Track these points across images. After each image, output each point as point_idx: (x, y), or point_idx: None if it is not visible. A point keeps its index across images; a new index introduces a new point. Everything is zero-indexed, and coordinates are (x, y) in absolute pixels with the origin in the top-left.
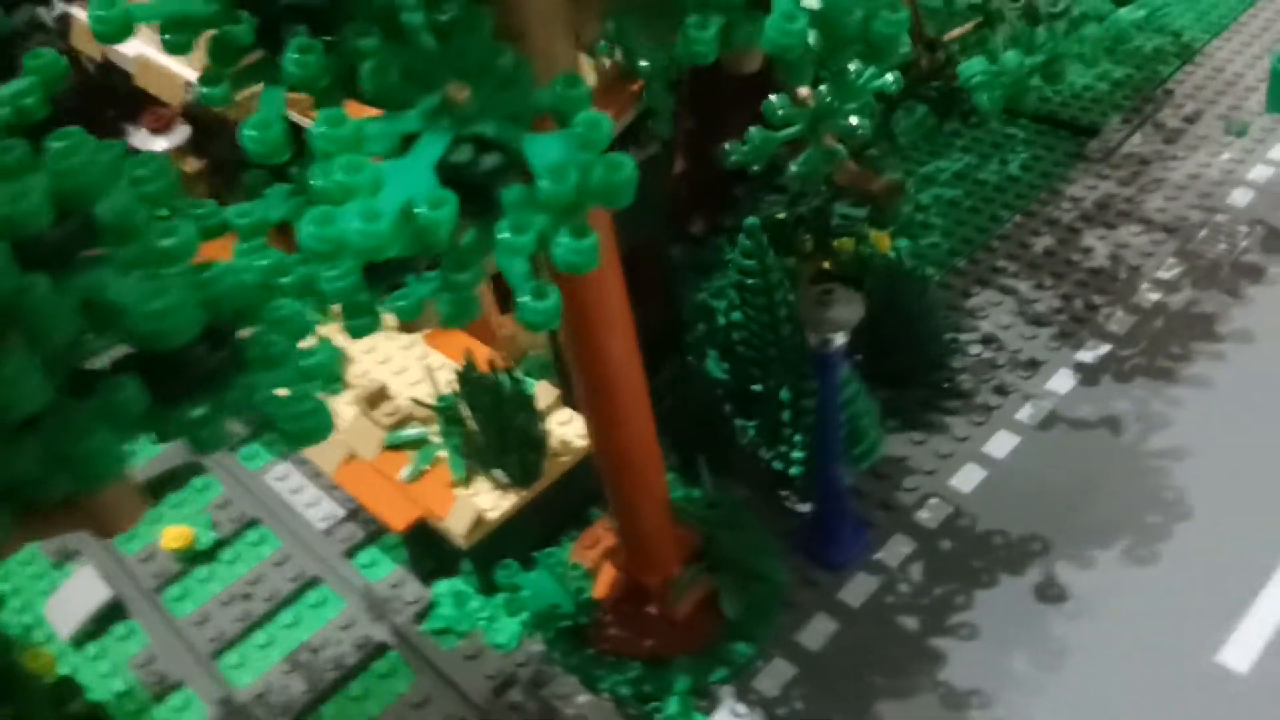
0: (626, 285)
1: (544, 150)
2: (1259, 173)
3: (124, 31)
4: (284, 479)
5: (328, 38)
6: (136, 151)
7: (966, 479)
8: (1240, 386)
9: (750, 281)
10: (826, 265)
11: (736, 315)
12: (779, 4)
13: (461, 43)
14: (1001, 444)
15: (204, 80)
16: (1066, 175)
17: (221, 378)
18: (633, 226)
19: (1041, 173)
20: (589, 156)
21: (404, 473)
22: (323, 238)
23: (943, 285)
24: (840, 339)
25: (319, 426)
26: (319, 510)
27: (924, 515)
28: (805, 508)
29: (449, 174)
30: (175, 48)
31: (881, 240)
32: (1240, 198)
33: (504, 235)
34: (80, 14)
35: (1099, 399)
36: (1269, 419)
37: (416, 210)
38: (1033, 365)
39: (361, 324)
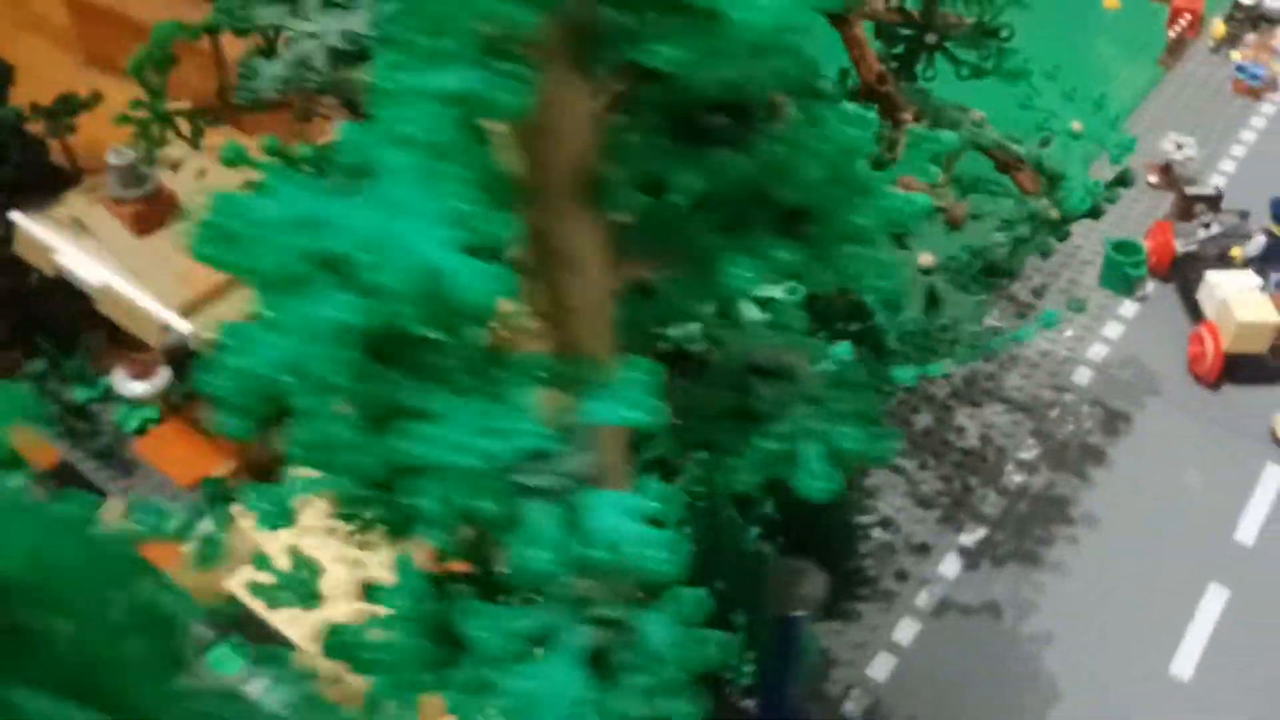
0: None
1: (653, 629)
2: (1096, 351)
3: None
4: None
5: None
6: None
7: (881, 668)
8: (1088, 572)
9: (699, 504)
10: None
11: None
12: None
13: None
14: (907, 631)
15: None
16: None
17: None
18: None
19: None
20: (690, 633)
21: None
22: None
23: None
24: (803, 612)
25: None
26: None
27: (850, 706)
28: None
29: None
30: None
31: None
32: (1082, 376)
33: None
34: (25, 223)
35: (980, 584)
36: (1110, 605)
37: None
38: (924, 549)
39: None
